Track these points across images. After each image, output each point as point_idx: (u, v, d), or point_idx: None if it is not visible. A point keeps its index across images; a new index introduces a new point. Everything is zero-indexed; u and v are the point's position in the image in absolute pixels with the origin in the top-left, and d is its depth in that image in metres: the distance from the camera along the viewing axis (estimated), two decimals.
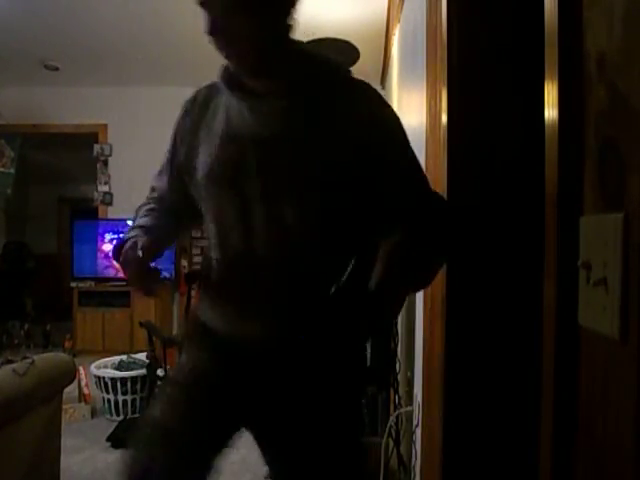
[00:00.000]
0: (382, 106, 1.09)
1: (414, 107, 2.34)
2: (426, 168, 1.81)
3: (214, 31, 0.96)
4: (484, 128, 1.30)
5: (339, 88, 1.07)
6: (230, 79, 1.07)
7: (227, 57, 1.01)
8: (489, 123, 1.30)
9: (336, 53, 3.89)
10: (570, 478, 0.61)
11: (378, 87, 5.06)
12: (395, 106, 3.52)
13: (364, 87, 1.09)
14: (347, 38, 3.57)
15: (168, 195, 1.23)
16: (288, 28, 1.03)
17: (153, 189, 1.27)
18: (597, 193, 0.56)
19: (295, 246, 1.03)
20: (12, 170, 5.60)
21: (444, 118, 1.36)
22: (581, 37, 0.59)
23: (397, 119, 1.09)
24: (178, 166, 1.18)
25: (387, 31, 3.89)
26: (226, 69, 1.08)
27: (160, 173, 1.24)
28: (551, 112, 0.64)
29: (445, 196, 1.27)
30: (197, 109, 1.14)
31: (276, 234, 1.03)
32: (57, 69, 4.97)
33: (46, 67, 4.91)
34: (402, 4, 2.88)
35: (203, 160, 1.09)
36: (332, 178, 1.01)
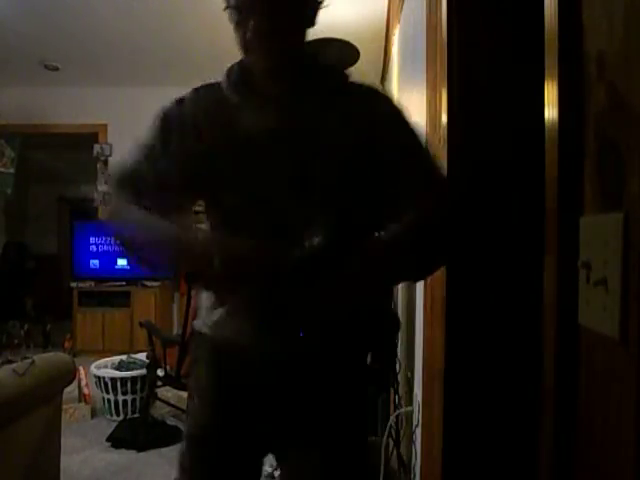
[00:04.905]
0: (388, 102, 1.12)
1: (414, 107, 2.34)
2: None
3: (264, 29, 0.98)
4: (484, 128, 1.30)
5: (348, 88, 1.10)
6: (240, 80, 1.08)
7: (259, 54, 1.02)
8: (489, 123, 1.30)
9: (336, 53, 3.89)
10: (570, 478, 0.61)
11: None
12: None
13: (374, 88, 1.13)
14: (347, 38, 3.56)
15: (168, 178, 1.10)
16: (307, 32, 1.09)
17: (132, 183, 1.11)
18: (597, 193, 0.56)
19: (324, 248, 1.00)
20: (12, 170, 5.60)
21: (444, 118, 1.36)
22: (581, 37, 0.59)
23: (401, 111, 1.11)
24: (183, 151, 1.10)
25: (387, 31, 3.89)
26: (236, 70, 1.09)
27: (139, 162, 1.11)
28: (551, 112, 0.64)
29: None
30: (196, 105, 1.12)
31: (307, 235, 1.01)
32: (57, 69, 4.97)
33: (46, 67, 4.91)
34: (402, 4, 2.88)
35: (219, 164, 1.06)
36: (348, 167, 1.03)
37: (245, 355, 1.07)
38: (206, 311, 1.13)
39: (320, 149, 1.04)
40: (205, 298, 1.14)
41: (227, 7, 1.02)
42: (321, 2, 1.08)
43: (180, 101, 1.13)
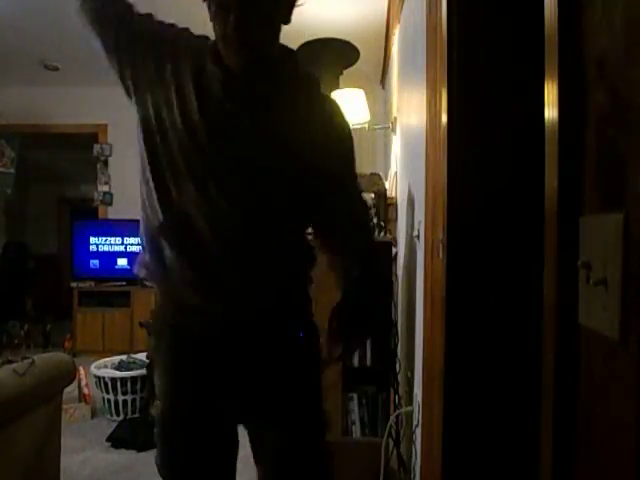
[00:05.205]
0: (341, 120, 1.25)
1: (414, 107, 2.34)
2: (426, 168, 1.81)
3: (243, 16, 1.04)
4: (484, 128, 1.30)
5: (307, 92, 1.21)
6: (213, 50, 1.14)
7: (236, 48, 1.08)
8: (489, 123, 1.30)
9: (336, 53, 3.89)
10: (570, 478, 0.61)
11: (378, 87, 5.05)
12: (395, 106, 3.52)
13: (330, 101, 1.27)
14: (347, 38, 3.57)
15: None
16: (281, 26, 1.14)
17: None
18: (597, 193, 0.56)
19: (239, 228, 1.15)
20: (12, 170, 5.60)
21: (444, 118, 1.36)
22: (581, 37, 0.59)
23: (349, 135, 1.26)
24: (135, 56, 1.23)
25: (387, 31, 3.89)
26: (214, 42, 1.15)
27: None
28: (551, 112, 0.64)
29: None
30: (188, 46, 1.21)
31: (225, 213, 1.13)
32: (57, 69, 4.97)
33: (46, 67, 4.91)
34: (402, 4, 2.88)
35: (168, 113, 1.15)
36: (281, 165, 1.15)
37: (203, 331, 1.20)
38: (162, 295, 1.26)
39: (262, 140, 1.14)
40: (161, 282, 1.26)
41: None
42: (299, 4, 1.14)
43: (186, 34, 1.25)
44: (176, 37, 1.24)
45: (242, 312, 1.20)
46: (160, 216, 1.16)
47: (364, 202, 1.43)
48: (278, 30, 1.13)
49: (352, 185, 1.30)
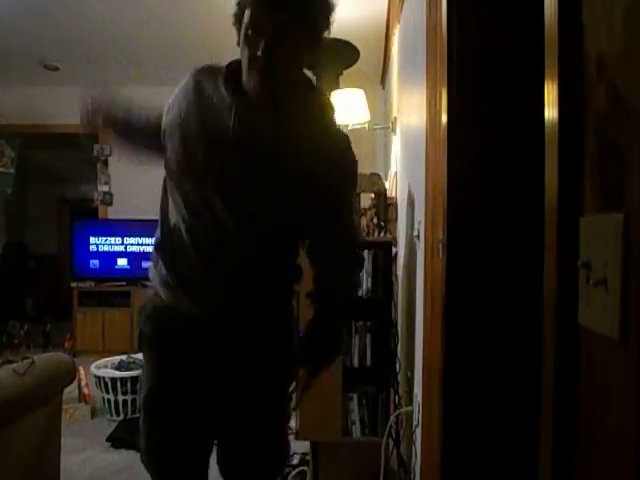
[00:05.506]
0: (347, 155, 1.29)
1: (414, 107, 2.34)
2: (426, 168, 1.81)
3: (273, 41, 1.09)
4: (484, 128, 1.30)
5: (318, 123, 1.25)
6: (231, 74, 1.19)
7: (261, 58, 1.11)
8: (489, 123, 1.30)
9: (336, 53, 3.89)
10: (570, 478, 0.61)
11: (378, 87, 5.04)
12: (395, 106, 3.52)
13: (341, 134, 1.30)
14: (347, 38, 3.56)
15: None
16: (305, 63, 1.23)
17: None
18: (597, 193, 0.56)
19: (238, 239, 1.23)
20: (12, 170, 5.60)
21: (444, 118, 1.36)
22: (581, 37, 0.59)
23: (354, 172, 1.33)
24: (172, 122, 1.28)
25: (387, 31, 3.89)
26: (234, 68, 1.20)
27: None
28: (551, 112, 0.64)
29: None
30: (196, 85, 1.25)
31: (228, 224, 1.21)
32: (57, 69, 4.97)
33: (46, 67, 4.91)
34: (402, 4, 2.88)
35: (182, 138, 1.23)
36: (285, 188, 1.21)
37: (186, 323, 1.28)
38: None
39: (264, 166, 1.19)
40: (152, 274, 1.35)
41: (236, 23, 1.15)
42: (322, 44, 1.19)
43: (200, 75, 1.27)
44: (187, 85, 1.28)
45: (225, 316, 1.29)
46: (158, 232, 1.33)
47: (354, 235, 1.50)
48: (302, 63, 1.20)
49: (347, 217, 1.37)
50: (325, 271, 1.40)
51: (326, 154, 1.22)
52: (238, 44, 1.15)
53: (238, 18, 1.14)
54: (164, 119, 1.31)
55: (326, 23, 1.16)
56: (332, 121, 1.29)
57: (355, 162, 1.32)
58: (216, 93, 1.20)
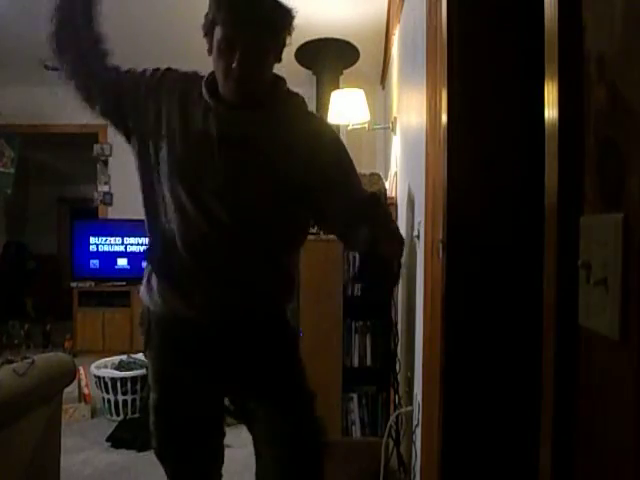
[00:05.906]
0: (326, 130, 1.36)
1: (414, 107, 2.34)
2: (426, 168, 1.81)
3: (247, 53, 1.15)
4: (484, 128, 1.30)
5: (299, 117, 1.31)
6: (211, 85, 1.25)
7: (236, 70, 1.17)
8: (489, 123, 1.30)
9: (336, 53, 3.89)
10: (570, 478, 0.61)
11: (378, 87, 5.05)
12: (395, 106, 3.52)
13: (314, 116, 1.40)
14: (347, 38, 3.57)
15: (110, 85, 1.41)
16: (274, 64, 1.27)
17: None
18: (597, 193, 0.56)
19: (236, 242, 1.26)
20: (12, 170, 5.59)
21: (444, 118, 1.36)
22: (581, 37, 0.59)
23: (338, 142, 1.35)
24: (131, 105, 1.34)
25: (387, 31, 3.89)
26: (212, 76, 1.25)
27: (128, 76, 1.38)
28: (551, 112, 0.64)
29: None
30: (174, 84, 1.30)
31: (225, 227, 1.24)
32: (57, 69, 4.96)
33: (46, 67, 4.90)
34: (402, 4, 2.88)
35: (169, 145, 1.26)
36: (282, 185, 1.24)
37: (188, 323, 1.32)
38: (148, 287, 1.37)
39: (261, 160, 1.24)
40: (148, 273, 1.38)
41: (206, 34, 1.20)
42: (288, 44, 1.26)
43: (172, 74, 1.33)
44: (160, 80, 1.33)
45: (221, 317, 1.32)
46: (150, 239, 1.36)
47: (372, 193, 1.39)
48: (272, 65, 1.26)
49: (356, 179, 1.34)
50: (360, 229, 1.21)
51: (313, 138, 1.28)
52: (209, 53, 1.21)
53: (208, 31, 1.20)
54: (129, 84, 1.35)
55: (289, 29, 1.24)
56: (305, 105, 1.36)
57: (334, 132, 1.39)
58: (199, 99, 1.26)
